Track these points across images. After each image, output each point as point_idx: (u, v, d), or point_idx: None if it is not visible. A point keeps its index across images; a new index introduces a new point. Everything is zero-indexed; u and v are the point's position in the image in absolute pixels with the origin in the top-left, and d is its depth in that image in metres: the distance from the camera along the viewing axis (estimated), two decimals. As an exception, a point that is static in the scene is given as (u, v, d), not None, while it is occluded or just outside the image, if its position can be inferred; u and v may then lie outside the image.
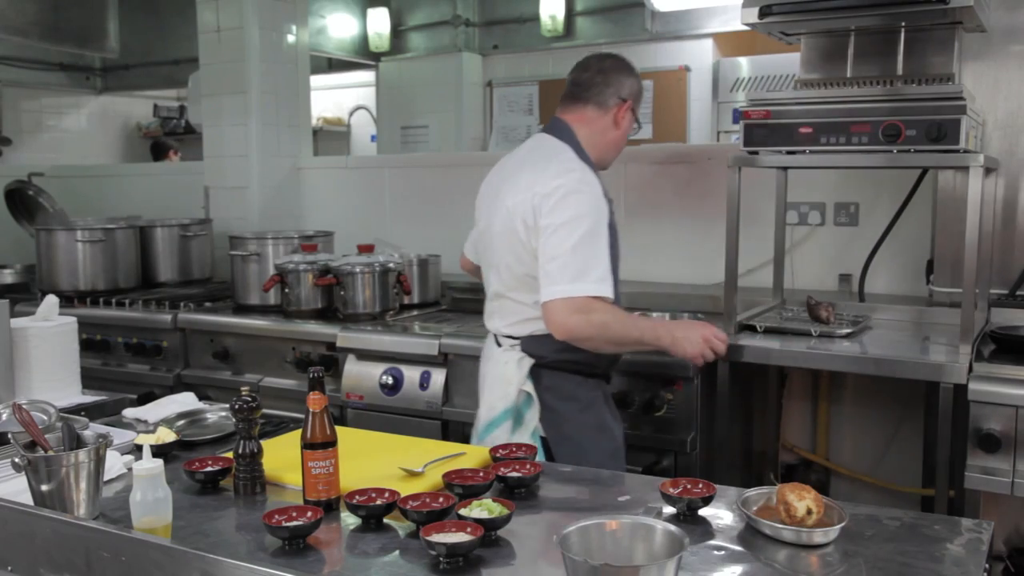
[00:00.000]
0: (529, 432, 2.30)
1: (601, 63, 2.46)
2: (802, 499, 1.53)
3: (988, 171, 2.70)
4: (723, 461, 2.73)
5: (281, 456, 1.85)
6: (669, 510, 1.62)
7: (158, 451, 1.85)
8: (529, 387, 2.30)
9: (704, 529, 1.57)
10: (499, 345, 2.42)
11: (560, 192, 2.22)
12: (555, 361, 2.34)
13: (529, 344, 2.35)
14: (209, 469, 1.78)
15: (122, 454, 1.91)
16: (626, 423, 2.75)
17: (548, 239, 2.21)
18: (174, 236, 4.27)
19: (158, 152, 6.91)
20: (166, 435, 1.99)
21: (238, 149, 4.35)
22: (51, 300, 2.56)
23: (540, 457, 2.18)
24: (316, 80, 4.80)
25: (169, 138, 7.10)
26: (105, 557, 1.35)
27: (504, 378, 2.32)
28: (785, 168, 3.09)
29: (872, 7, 2.53)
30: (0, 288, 4.52)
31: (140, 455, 1.57)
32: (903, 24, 2.61)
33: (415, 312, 3.66)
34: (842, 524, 1.51)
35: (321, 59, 6.05)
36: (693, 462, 2.69)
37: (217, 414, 2.28)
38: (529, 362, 2.32)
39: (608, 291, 2.21)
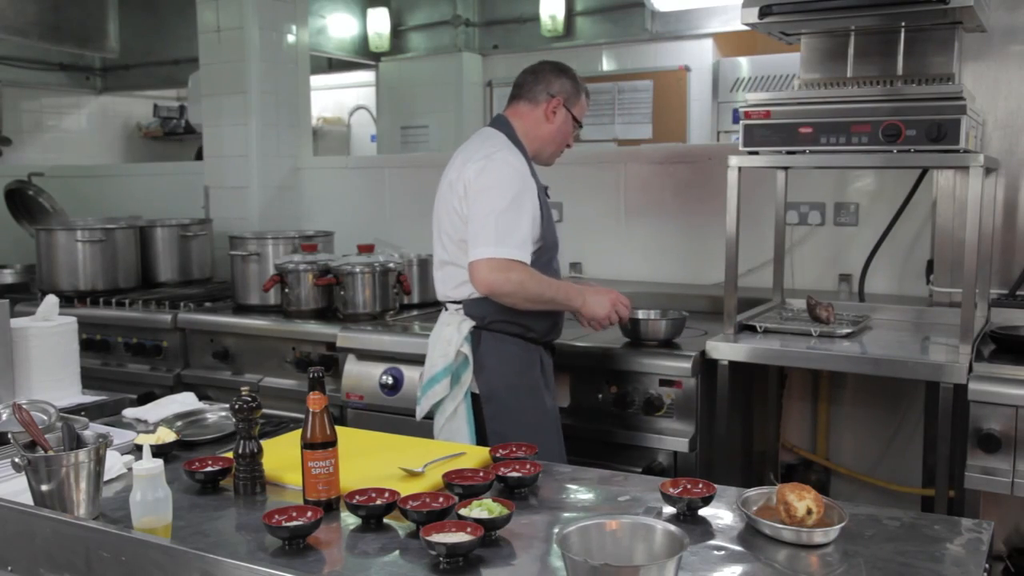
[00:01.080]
0: (464, 390, 2.52)
1: (536, 66, 2.74)
2: (802, 499, 1.53)
3: (988, 171, 2.70)
4: (723, 461, 2.73)
5: (281, 456, 1.85)
6: (669, 510, 1.62)
7: (158, 451, 1.85)
8: (466, 348, 2.51)
9: (704, 529, 1.57)
10: (446, 310, 2.64)
11: (488, 166, 2.49)
12: (493, 322, 2.54)
13: (470, 307, 2.55)
14: (209, 469, 1.78)
15: (122, 454, 1.91)
16: (626, 423, 2.75)
17: (474, 206, 2.47)
18: (174, 236, 4.27)
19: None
20: (166, 435, 1.99)
21: (238, 149, 4.35)
22: (51, 300, 2.55)
23: (467, 413, 2.51)
24: (316, 80, 4.80)
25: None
26: (105, 557, 1.35)
27: (444, 339, 2.53)
28: (785, 168, 3.09)
29: (872, 7, 2.53)
30: (0, 288, 4.52)
31: (140, 455, 1.57)
32: (903, 24, 2.61)
33: (415, 312, 3.65)
34: (842, 524, 1.51)
35: (321, 59, 6.05)
36: (693, 462, 2.69)
37: (217, 414, 2.28)
38: (469, 324, 2.53)
39: (525, 257, 2.46)
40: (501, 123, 2.68)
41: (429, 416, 2.58)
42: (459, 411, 2.51)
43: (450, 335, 2.53)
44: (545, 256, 2.59)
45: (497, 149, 2.54)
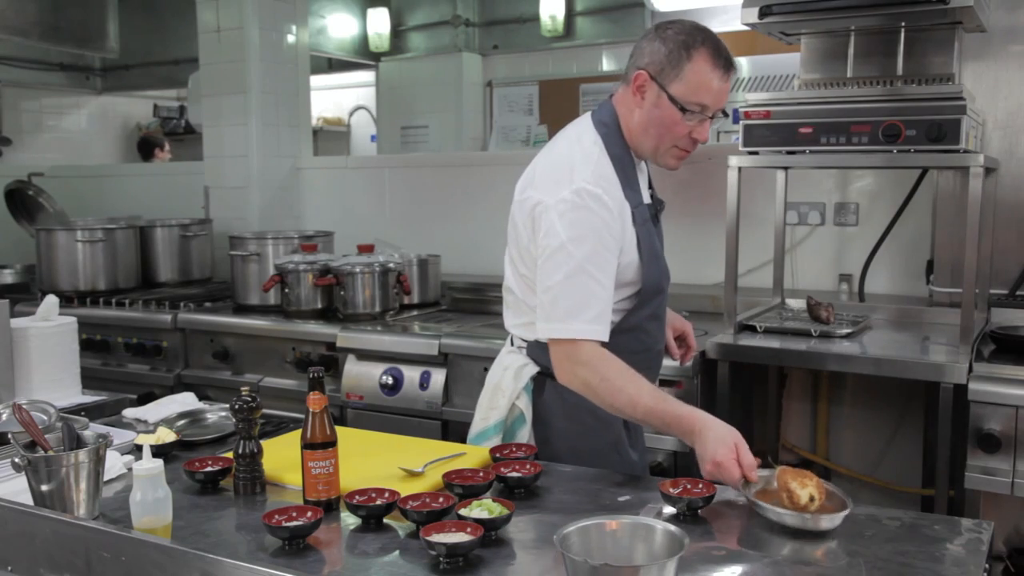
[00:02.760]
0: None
1: (643, 34, 2.06)
2: (804, 486, 1.51)
3: (988, 171, 2.70)
4: (723, 461, 2.72)
5: (281, 456, 1.85)
6: (669, 510, 1.63)
7: (158, 451, 1.85)
8: (523, 402, 2.03)
9: (704, 529, 1.57)
10: (511, 344, 2.15)
11: (562, 207, 1.89)
12: None
13: (535, 350, 2.04)
14: (209, 469, 1.78)
15: (122, 454, 1.91)
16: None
17: (543, 265, 1.91)
18: (174, 236, 4.27)
19: (147, 150, 6.88)
20: (166, 435, 1.99)
21: (238, 149, 4.35)
22: (51, 300, 2.55)
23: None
24: (316, 80, 4.80)
25: (158, 135, 7.06)
26: (105, 557, 1.35)
27: (499, 387, 2.06)
28: (785, 168, 3.09)
29: (872, 7, 2.53)
30: (0, 288, 4.52)
31: (140, 455, 1.57)
32: (903, 24, 2.61)
33: (415, 312, 3.66)
34: (847, 511, 1.50)
35: (321, 59, 6.04)
36: (693, 462, 2.68)
37: (217, 414, 2.28)
38: (532, 371, 2.04)
39: (602, 335, 1.90)
40: (606, 112, 2.04)
41: None
42: None
43: (507, 383, 2.04)
44: (643, 308, 2.02)
45: (577, 176, 1.90)
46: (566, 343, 1.89)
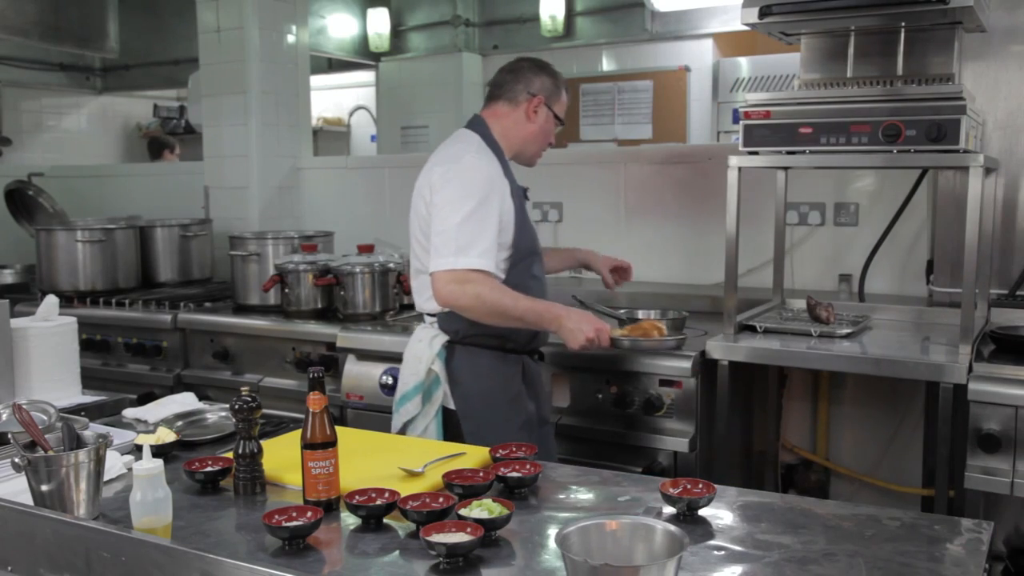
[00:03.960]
0: (435, 408, 2.44)
1: (514, 64, 2.65)
2: (656, 327, 2.53)
3: (988, 171, 2.70)
4: (723, 461, 2.73)
5: (281, 456, 1.85)
6: (669, 510, 1.62)
7: (158, 451, 1.85)
8: (437, 366, 2.43)
9: (704, 529, 1.57)
10: (423, 321, 2.56)
11: (451, 170, 2.41)
12: (468, 336, 2.44)
13: (444, 321, 2.47)
14: (209, 469, 1.78)
15: (122, 454, 1.91)
16: (626, 423, 2.75)
17: (436, 215, 2.38)
18: (174, 236, 4.27)
19: (155, 150, 6.89)
20: (166, 435, 1.99)
21: (238, 149, 4.35)
22: (51, 300, 2.56)
23: (438, 431, 2.43)
24: (316, 80, 4.80)
25: (168, 136, 7.08)
26: (105, 557, 1.35)
27: (416, 355, 2.47)
28: (785, 168, 3.09)
29: (872, 7, 2.53)
30: (0, 288, 4.52)
31: (140, 455, 1.57)
32: (903, 24, 2.61)
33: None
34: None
35: (321, 59, 6.04)
36: (693, 462, 2.69)
37: (217, 414, 2.28)
38: (442, 339, 2.45)
39: (489, 266, 2.34)
40: (477, 124, 2.60)
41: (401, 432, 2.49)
42: (429, 429, 2.43)
43: (421, 351, 2.46)
44: (522, 263, 2.49)
45: (465, 152, 2.46)
46: (459, 272, 2.31)
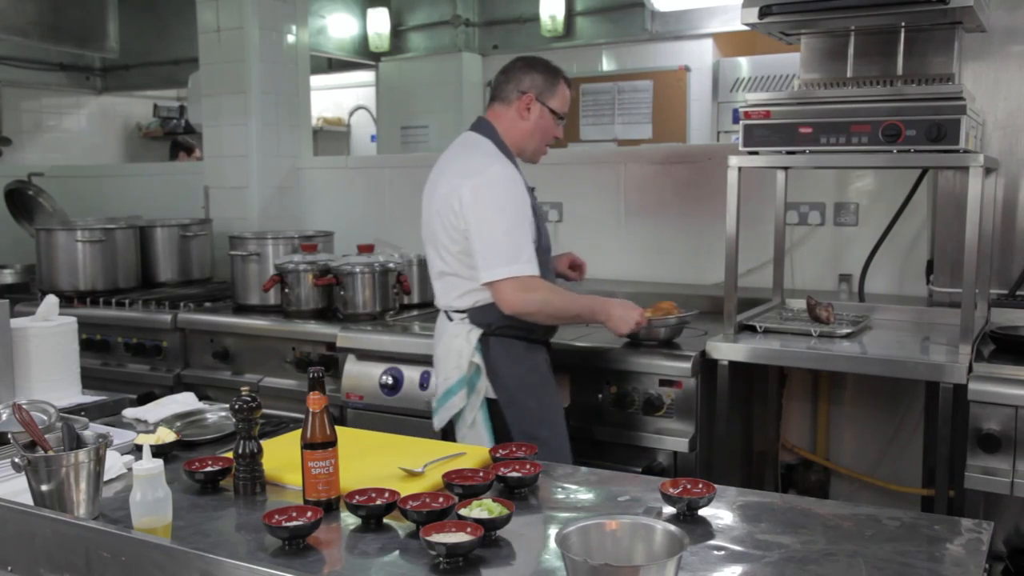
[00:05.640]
0: (480, 398, 2.54)
1: (507, 65, 2.71)
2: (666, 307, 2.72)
3: (988, 171, 2.70)
4: (723, 461, 2.73)
5: (281, 456, 1.85)
6: (669, 510, 1.62)
7: (158, 451, 1.84)
8: (478, 358, 2.54)
9: (704, 529, 1.57)
10: (450, 320, 2.63)
11: (485, 184, 2.49)
12: (500, 328, 2.55)
13: (476, 315, 2.57)
14: (209, 469, 1.78)
15: (122, 454, 1.91)
16: (626, 423, 2.75)
17: (479, 225, 2.47)
18: (174, 236, 4.27)
19: (174, 151, 6.87)
20: (166, 435, 1.99)
21: (238, 149, 4.35)
22: (51, 300, 2.55)
23: (486, 420, 2.53)
24: (316, 80, 4.80)
25: (187, 138, 7.05)
26: (105, 557, 1.35)
27: (456, 350, 2.55)
28: (785, 168, 3.09)
29: (872, 7, 2.53)
30: (0, 288, 4.51)
31: (140, 455, 1.57)
32: (903, 24, 2.61)
33: (415, 312, 3.65)
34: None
35: (321, 59, 6.04)
36: (693, 462, 2.69)
37: (217, 414, 2.28)
38: (477, 332, 2.55)
39: (537, 269, 2.49)
40: (484, 127, 2.66)
41: (447, 427, 2.61)
42: (478, 419, 2.53)
43: (460, 347, 2.55)
44: (544, 262, 2.59)
45: (490, 162, 2.53)
46: (517, 278, 2.45)
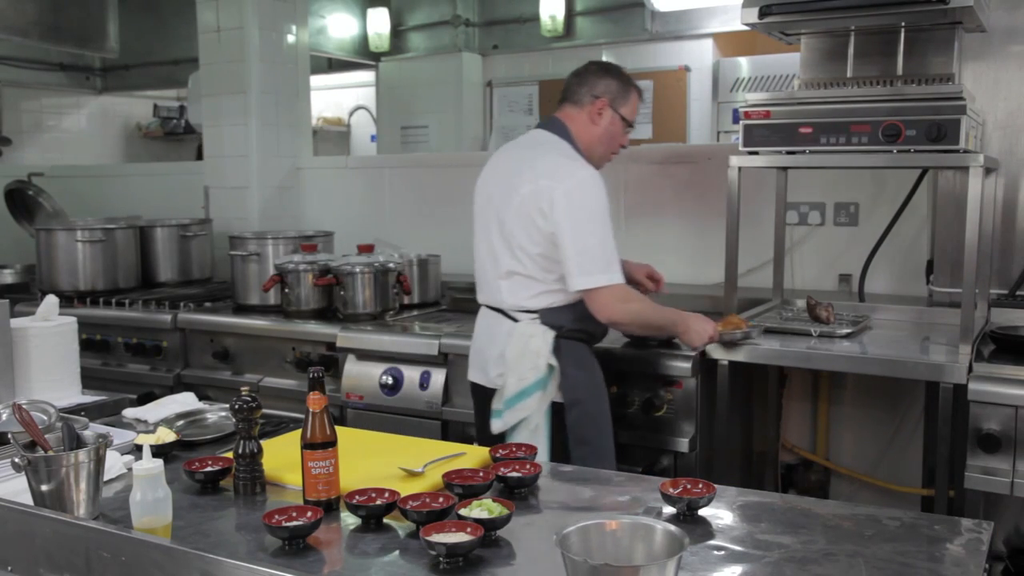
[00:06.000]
0: (548, 401, 2.49)
1: (581, 68, 2.70)
2: (735, 322, 2.62)
3: (988, 171, 2.70)
4: (723, 461, 2.73)
5: (281, 456, 1.85)
6: (669, 510, 1.63)
7: (158, 451, 1.85)
8: (553, 360, 2.48)
9: (704, 529, 1.57)
10: (512, 319, 2.57)
11: (578, 188, 2.46)
12: (569, 331, 2.53)
13: (547, 316, 2.53)
14: (209, 469, 1.78)
15: (122, 454, 1.91)
16: (626, 423, 2.75)
17: (575, 232, 2.43)
18: (174, 236, 4.27)
19: (202, 153, 6.84)
20: (166, 435, 1.99)
21: (238, 149, 4.35)
22: (51, 300, 2.55)
23: (547, 425, 2.48)
24: (316, 80, 4.80)
25: None
26: (105, 557, 1.35)
27: (533, 351, 2.48)
28: (785, 168, 3.09)
29: (872, 7, 2.53)
30: (0, 288, 4.51)
31: (140, 455, 1.57)
32: (903, 24, 2.61)
33: (415, 312, 3.66)
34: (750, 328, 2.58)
35: (321, 59, 6.04)
36: (693, 462, 2.69)
37: (217, 414, 2.28)
38: (552, 334, 2.50)
39: (624, 279, 2.51)
40: (557, 127, 2.64)
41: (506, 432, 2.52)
42: (541, 423, 2.48)
43: (538, 347, 2.48)
44: None
45: (577, 165, 2.51)
46: (614, 288, 2.45)
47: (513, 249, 2.54)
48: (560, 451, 2.47)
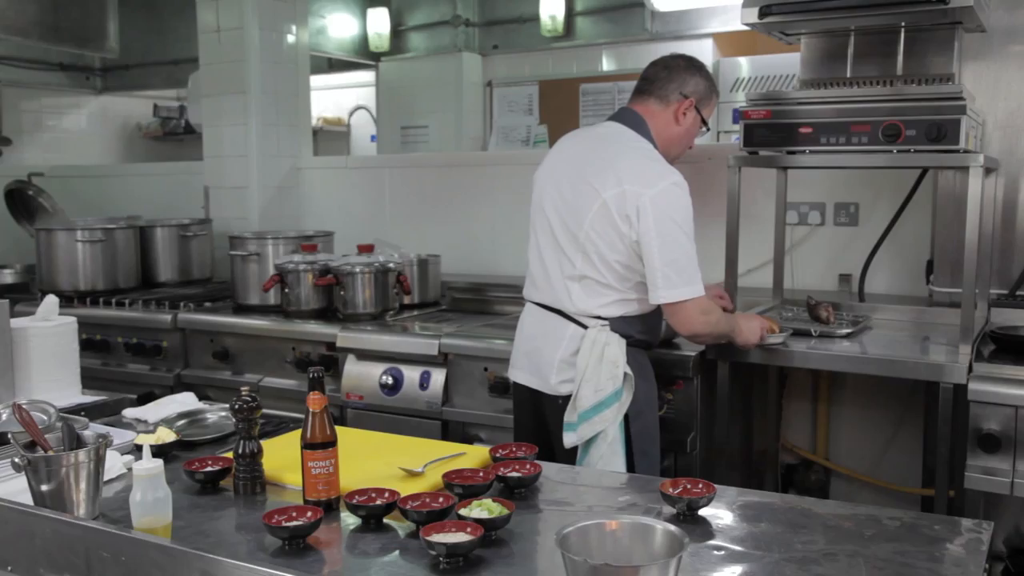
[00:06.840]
0: (623, 412, 2.38)
1: (669, 60, 2.56)
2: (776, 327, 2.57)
3: (988, 171, 2.70)
4: (723, 461, 2.73)
5: (281, 456, 1.85)
6: (669, 510, 1.63)
7: (158, 451, 1.85)
8: (628, 368, 2.39)
9: (704, 529, 1.57)
10: (578, 324, 2.42)
11: (668, 194, 2.33)
12: (636, 340, 2.45)
13: (618, 325, 2.41)
14: (209, 469, 1.78)
15: (122, 454, 1.91)
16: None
17: (663, 243, 2.31)
18: (174, 236, 4.27)
19: None
20: (166, 435, 1.99)
21: (238, 149, 4.35)
22: (51, 300, 2.55)
23: (622, 437, 2.37)
24: (316, 80, 4.79)
25: None
26: (105, 557, 1.35)
27: (611, 359, 2.36)
28: (785, 168, 3.09)
29: (872, 7, 2.53)
30: (0, 288, 4.51)
31: (140, 455, 1.57)
32: (903, 24, 2.61)
33: (415, 312, 3.66)
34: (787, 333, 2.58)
35: (321, 59, 6.04)
36: (693, 462, 2.69)
37: (217, 414, 2.28)
38: (623, 342, 2.39)
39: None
40: (636, 122, 2.50)
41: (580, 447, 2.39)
42: (615, 436, 2.35)
43: (615, 355, 2.36)
44: None
45: (666, 171, 2.37)
46: (698, 300, 2.36)
47: (589, 253, 2.39)
48: (627, 465, 2.38)
